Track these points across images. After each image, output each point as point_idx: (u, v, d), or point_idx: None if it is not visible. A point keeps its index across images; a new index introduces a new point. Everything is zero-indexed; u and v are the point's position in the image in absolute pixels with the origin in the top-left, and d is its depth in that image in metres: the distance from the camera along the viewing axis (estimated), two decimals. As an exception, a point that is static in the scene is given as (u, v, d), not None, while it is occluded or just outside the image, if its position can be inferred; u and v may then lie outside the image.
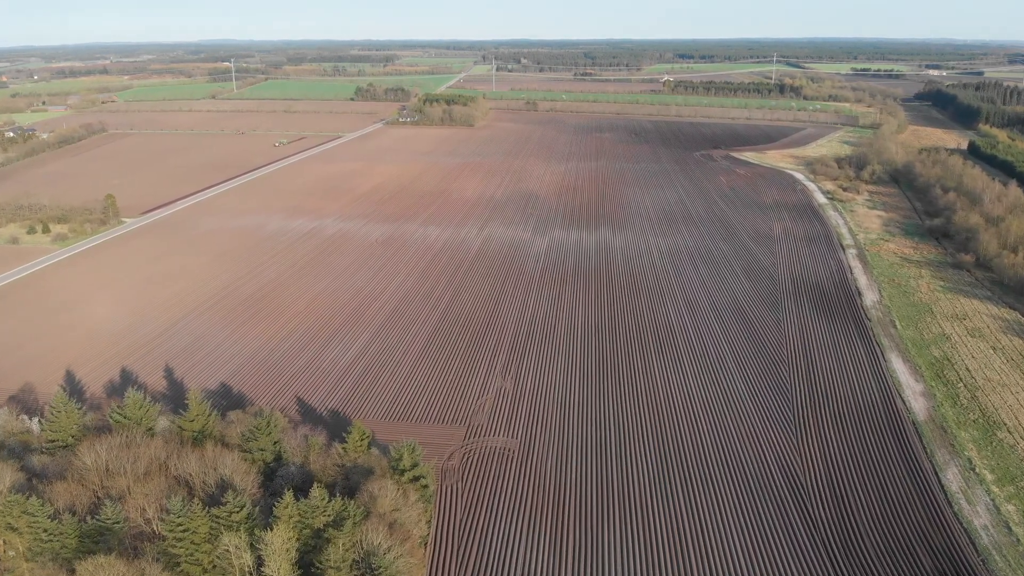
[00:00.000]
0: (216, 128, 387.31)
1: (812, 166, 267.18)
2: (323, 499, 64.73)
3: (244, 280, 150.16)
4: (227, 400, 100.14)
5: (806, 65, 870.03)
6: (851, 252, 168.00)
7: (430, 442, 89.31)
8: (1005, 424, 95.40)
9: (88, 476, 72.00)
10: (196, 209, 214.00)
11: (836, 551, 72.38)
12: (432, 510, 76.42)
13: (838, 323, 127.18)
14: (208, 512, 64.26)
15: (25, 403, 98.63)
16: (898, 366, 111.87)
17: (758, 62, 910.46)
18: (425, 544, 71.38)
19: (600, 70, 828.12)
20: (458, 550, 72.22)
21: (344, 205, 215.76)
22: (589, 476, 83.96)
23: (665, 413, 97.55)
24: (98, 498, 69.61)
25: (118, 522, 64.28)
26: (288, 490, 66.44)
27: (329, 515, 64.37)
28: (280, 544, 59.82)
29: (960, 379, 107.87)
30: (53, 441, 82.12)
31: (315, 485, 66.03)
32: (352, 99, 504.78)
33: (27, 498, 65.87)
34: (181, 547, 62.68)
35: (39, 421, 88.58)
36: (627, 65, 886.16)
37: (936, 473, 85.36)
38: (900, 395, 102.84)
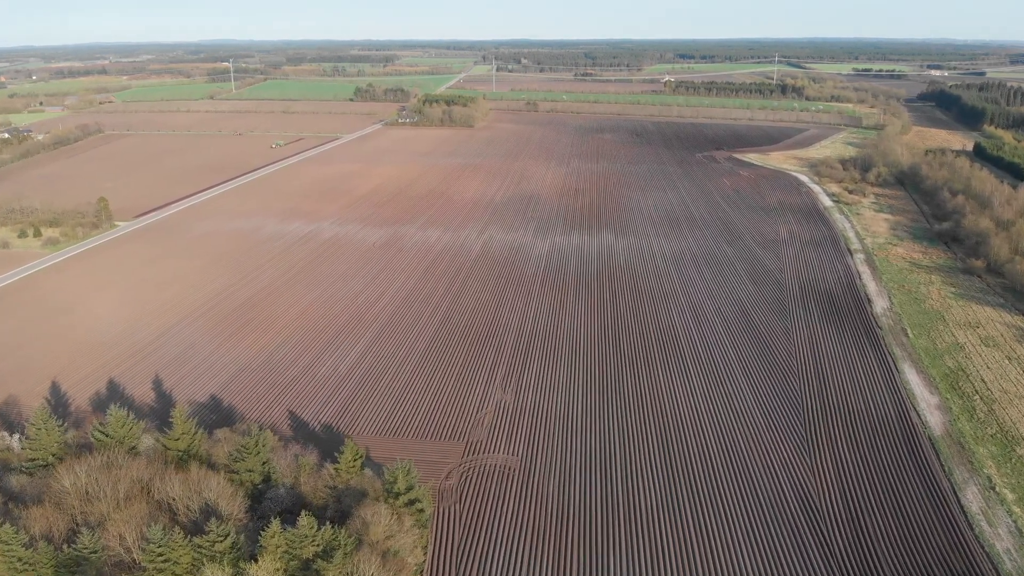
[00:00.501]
0: (214, 129, 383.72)
1: (816, 168, 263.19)
2: (312, 528, 61.03)
3: (238, 286, 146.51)
4: (216, 414, 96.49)
5: (807, 65, 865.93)
6: (859, 257, 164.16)
7: (427, 459, 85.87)
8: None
9: (66, 500, 68.41)
10: (191, 212, 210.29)
11: (853, 578, 68.79)
12: (428, 535, 72.77)
13: (848, 332, 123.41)
14: (190, 541, 60.66)
15: (7, 417, 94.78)
16: (911, 377, 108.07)
17: (759, 62, 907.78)
18: (420, 573, 67.72)
19: (601, 70, 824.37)
20: (456, 577, 68.60)
21: (342, 207, 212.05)
22: (593, 496, 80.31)
23: (672, 427, 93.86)
24: (76, 524, 65.97)
25: (96, 551, 60.73)
26: (275, 518, 62.77)
27: (318, 545, 60.72)
28: (266, 577, 56.31)
29: (976, 391, 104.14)
30: (33, 460, 78.42)
31: (303, 513, 62.30)
32: (351, 100, 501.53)
33: (1, 524, 62.25)
34: (161, 578, 59.08)
35: (19, 438, 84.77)
36: (628, 65, 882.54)
37: (955, 492, 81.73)
38: (915, 408, 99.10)
